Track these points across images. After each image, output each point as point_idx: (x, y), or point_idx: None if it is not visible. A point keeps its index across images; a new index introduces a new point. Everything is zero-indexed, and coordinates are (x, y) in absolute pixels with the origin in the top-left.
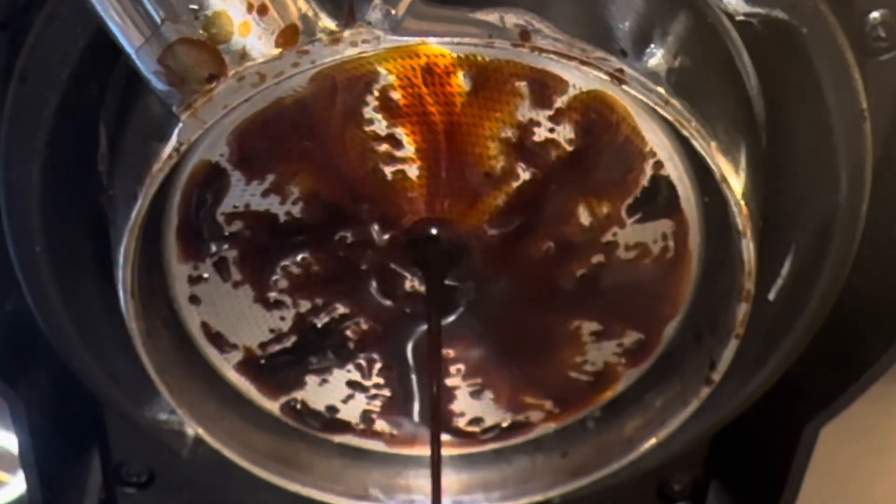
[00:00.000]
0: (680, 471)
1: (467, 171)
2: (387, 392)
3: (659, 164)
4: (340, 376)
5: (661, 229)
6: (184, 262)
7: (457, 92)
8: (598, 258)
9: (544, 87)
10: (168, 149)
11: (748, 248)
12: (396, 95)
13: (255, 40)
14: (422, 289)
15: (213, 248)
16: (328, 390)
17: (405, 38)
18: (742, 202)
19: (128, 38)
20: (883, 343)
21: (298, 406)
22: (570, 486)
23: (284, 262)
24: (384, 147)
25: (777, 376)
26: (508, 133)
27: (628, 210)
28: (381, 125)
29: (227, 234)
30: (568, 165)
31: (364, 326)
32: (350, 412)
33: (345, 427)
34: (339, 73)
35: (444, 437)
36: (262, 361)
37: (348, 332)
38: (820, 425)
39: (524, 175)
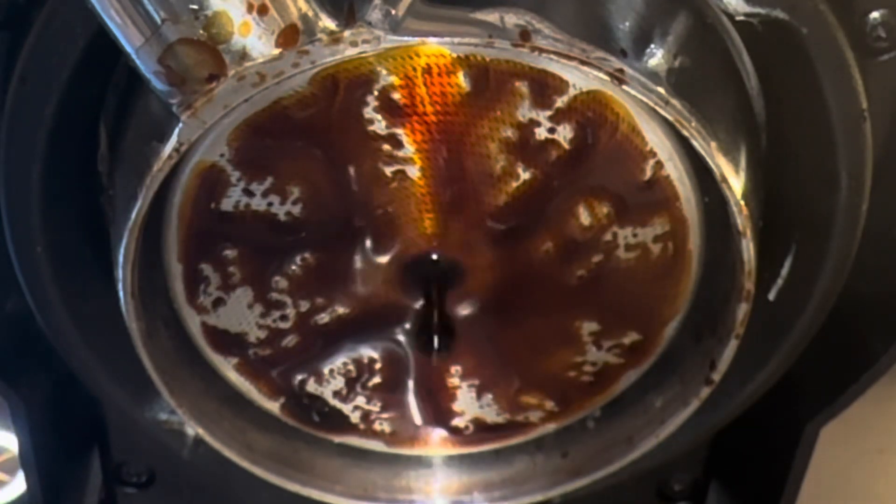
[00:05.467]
0: (680, 471)
1: (467, 171)
2: (387, 392)
3: (659, 164)
4: (340, 376)
5: (661, 229)
6: (184, 261)
7: (457, 92)
8: (597, 258)
9: (544, 87)
10: (168, 149)
11: (748, 248)
12: (396, 95)
13: (255, 40)
14: (421, 289)
15: (213, 248)
16: (328, 390)
17: (405, 38)
18: (742, 202)
19: (128, 38)
20: (883, 343)
21: (298, 406)
22: (571, 486)
23: (284, 262)
24: (384, 147)
25: (777, 376)
26: (508, 133)
27: (628, 210)
28: (381, 125)
29: (226, 233)
30: (568, 165)
31: (364, 326)
32: (350, 412)
33: (345, 427)
34: (340, 73)
35: (444, 436)
36: (263, 361)
37: (348, 332)
38: (820, 425)
39: (524, 175)
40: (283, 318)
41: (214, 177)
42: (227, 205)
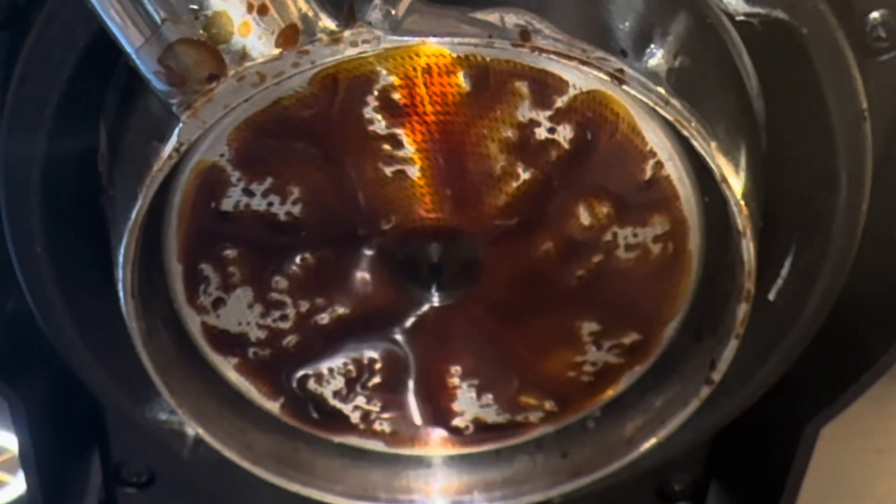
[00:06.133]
0: (680, 471)
1: (467, 171)
2: (386, 392)
3: (659, 164)
4: (340, 376)
5: (661, 229)
6: (183, 261)
7: (457, 92)
8: (597, 258)
9: (544, 87)
10: (168, 149)
11: (748, 248)
12: (396, 95)
13: (255, 40)
14: (421, 289)
15: (213, 248)
16: (328, 390)
17: (405, 38)
18: (742, 202)
19: (128, 38)
20: (883, 343)
21: (298, 406)
22: (570, 486)
23: (284, 262)
24: (384, 147)
25: (777, 376)
26: (508, 133)
27: (628, 210)
28: (381, 125)
29: (226, 233)
30: (568, 165)
31: (364, 326)
32: (350, 412)
33: (345, 427)
34: (340, 73)
35: (444, 436)
36: (263, 361)
37: (348, 332)
38: (820, 425)
39: (524, 175)
40: (283, 318)
41: (214, 177)
42: (227, 205)
